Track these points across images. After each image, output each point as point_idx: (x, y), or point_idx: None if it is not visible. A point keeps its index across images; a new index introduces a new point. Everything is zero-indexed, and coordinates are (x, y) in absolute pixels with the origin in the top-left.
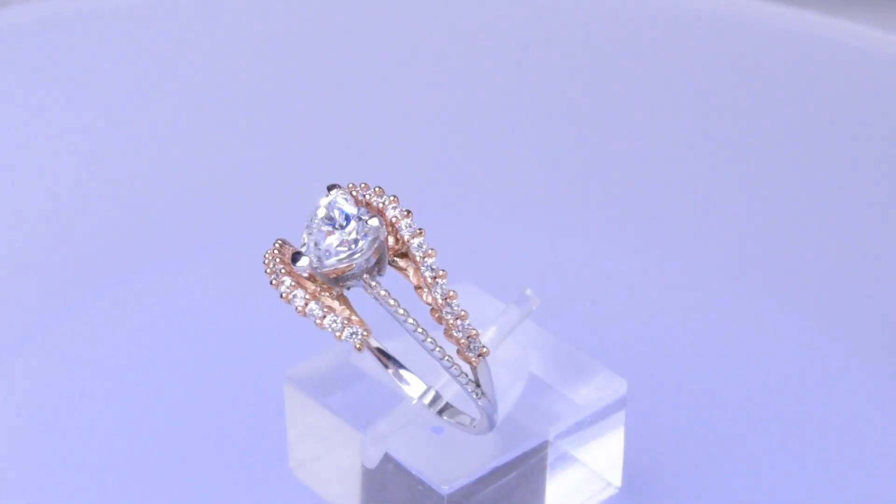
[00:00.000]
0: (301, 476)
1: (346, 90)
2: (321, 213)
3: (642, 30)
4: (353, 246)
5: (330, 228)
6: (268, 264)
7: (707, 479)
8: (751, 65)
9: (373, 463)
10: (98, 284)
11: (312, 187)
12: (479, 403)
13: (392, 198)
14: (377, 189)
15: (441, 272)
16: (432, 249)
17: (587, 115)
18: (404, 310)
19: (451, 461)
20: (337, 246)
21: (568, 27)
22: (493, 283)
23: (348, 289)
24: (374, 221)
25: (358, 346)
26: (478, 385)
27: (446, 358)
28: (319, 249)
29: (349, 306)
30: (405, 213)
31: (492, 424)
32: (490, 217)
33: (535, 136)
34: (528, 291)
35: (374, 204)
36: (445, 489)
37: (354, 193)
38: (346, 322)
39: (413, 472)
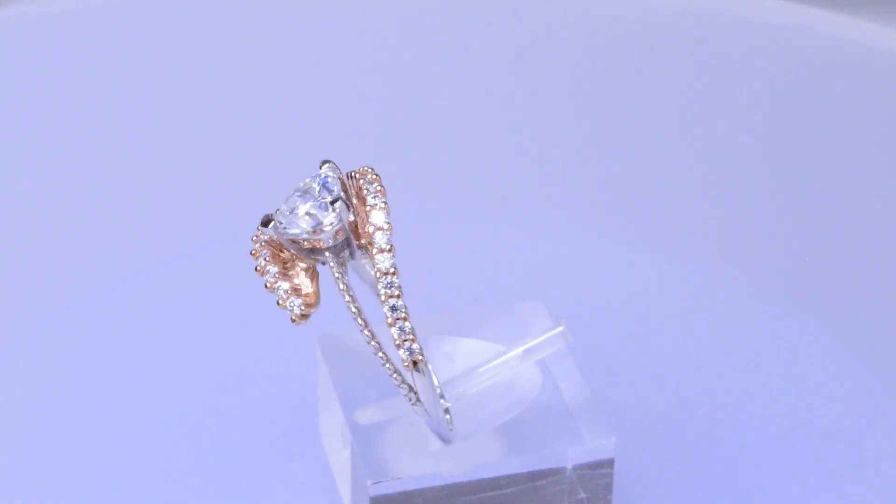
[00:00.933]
0: (324, 443)
1: (351, 91)
2: (303, 183)
3: (649, 33)
4: (317, 220)
5: (306, 199)
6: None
7: (701, 484)
8: (750, 64)
9: (345, 445)
10: (99, 283)
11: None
12: (415, 409)
13: (379, 188)
14: (375, 176)
15: (392, 270)
16: (391, 246)
17: (595, 121)
18: (350, 296)
19: (408, 462)
20: (303, 216)
21: (578, 30)
22: (494, 287)
23: (323, 264)
24: (338, 205)
25: (293, 318)
26: (412, 390)
27: (381, 353)
28: (291, 216)
29: (315, 280)
30: (383, 205)
31: (443, 438)
32: (490, 221)
33: (538, 141)
34: (563, 327)
35: (363, 189)
36: (369, 485)
37: (355, 174)
38: (291, 292)
39: (359, 460)
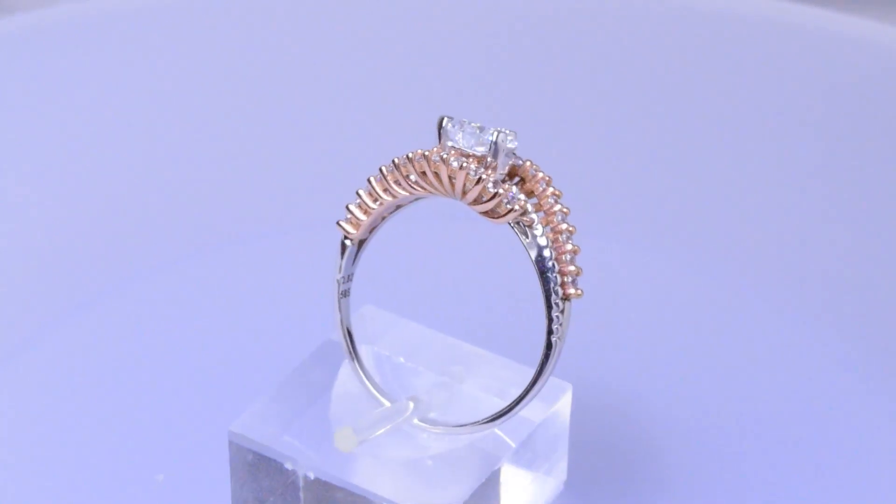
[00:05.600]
0: None
1: (355, 92)
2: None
3: (638, 29)
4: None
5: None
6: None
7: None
8: (739, 59)
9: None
10: (97, 286)
11: (314, 190)
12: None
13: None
14: (541, 200)
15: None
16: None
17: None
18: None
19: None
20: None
21: (564, 26)
22: (483, 282)
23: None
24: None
25: (339, 222)
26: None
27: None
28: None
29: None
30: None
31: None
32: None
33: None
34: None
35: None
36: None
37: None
38: (357, 209)
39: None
